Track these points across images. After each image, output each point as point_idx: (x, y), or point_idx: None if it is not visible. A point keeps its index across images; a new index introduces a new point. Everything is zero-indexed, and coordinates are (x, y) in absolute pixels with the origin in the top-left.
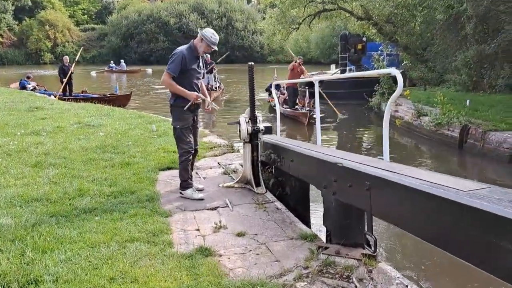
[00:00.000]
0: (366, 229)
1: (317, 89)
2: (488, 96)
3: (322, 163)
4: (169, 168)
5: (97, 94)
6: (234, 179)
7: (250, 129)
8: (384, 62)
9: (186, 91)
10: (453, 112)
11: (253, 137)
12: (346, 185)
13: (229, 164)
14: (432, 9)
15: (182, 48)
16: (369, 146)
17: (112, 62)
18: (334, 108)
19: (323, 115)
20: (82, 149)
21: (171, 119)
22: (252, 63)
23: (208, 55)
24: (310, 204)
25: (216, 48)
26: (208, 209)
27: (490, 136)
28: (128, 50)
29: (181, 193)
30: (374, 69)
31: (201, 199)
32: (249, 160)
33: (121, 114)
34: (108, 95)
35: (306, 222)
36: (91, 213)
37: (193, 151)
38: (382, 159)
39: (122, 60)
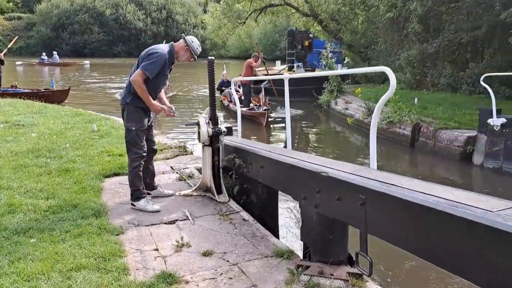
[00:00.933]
0: (359, 249)
1: (286, 87)
2: (432, 94)
3: (302, 172)
4: (115, 174)
5: (30, 89)
6: (191, 186)
7: (211, 131)
8: (333, 59)
9: (153, 102)
10: (405, 110)
11: (214, 139)
12: (333, 198)
13: (183, 169)
14: (376, 8)
15: (164, 49)
16: (322, 146)
17: (44, 54)
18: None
19: (273, 113)
20: (11, 153)
21: (113, 117)
22: (212, 57)
23: None
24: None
25: (196, 59)
26: (166, 223)
27: (441, 134)
28: (60, 41)
29: (133, 204)
30: (322, 67)
31: (157, 211)
32: (210, 165)
33: (55, 112)
34: (43, 90)
35: (275, 233)
36: (25, 234)
37: (146, 156)
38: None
39: (55, 52)
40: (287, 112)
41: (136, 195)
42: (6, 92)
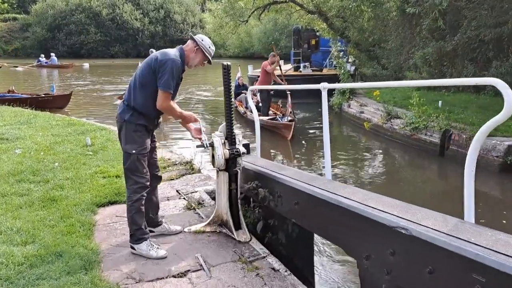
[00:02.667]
0: None
1: (325, 99)
2: (453, 96)
3: (363, 221)
4: (111, 203)
5: (29, 94)
6: (203, 217)
7: (227, 152)
8: (345, 59)
9: (185, 113)
10: (433, 115)
11: (230, 163)
12: (421, 269)
13: (191, 192)
14: (386, 4)
15: (174, 54)
16: (338, 154)
17: (42, 56)
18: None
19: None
20: None
21: (109, 126)
22: (228, 62)
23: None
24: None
25: (211, 60)
26: (175, 276)
27: None
28: (56, 42)
29: (133, 248)
30: (328, 66)
31: (163, 258)
32: (226, 195)
33: (45, 121)
34: (43, 95)
35: (310, 282)
36: None
37: (149, 185)
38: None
39: (52, 54)
40: (325, 129)
41: (137, 236)
42: (2, 97)
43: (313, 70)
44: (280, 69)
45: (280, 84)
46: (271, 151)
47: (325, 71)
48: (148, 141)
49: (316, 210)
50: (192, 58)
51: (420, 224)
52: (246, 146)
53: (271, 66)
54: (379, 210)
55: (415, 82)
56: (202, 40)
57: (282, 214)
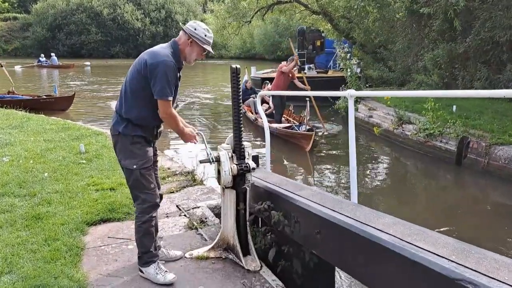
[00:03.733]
0: None
1: (351, 109)
2: (467, 100)
3: (408, 264)
4: (104, 221)
5: (30, 96)
6: (206, 239)
7: (235, 168)
8: (353, 60)
9: (185, 130)
10: (449, 121)
11: (239, 179)
12: None
13: (193, 208)
14: (392, 4)
15: (165, 54)
16: (346, 161)
17: (42, 55)
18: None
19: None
20: None
21: (105, 130)
22: (238, 65)
23: None
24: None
25: (211, 51)
26: None
27: (496, 151)
28: (56, 42)
29: (141, 271)
30: (333, 68)
31: (170, 284)
32: (233, 215)
33: (39, 125)
34: (45, 97)
35: None
36: None
37: (159, 203)
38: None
39: (53, 54)
40: (352, 145)
41: (144, 259)
42: (2, 99)
43: (318, 72)
44: (302, 75)
45: (301, 89)
46: (285, 161)
47: (330, 73)
48: (151, 152)
49: (343, 243)
50: (188, 53)
51: (491, 278)
52: (254, 158)
53: (287, 66)
54: (431, 252)
55: (463, 92)
56: (195, 30)
57: (299, 242)
